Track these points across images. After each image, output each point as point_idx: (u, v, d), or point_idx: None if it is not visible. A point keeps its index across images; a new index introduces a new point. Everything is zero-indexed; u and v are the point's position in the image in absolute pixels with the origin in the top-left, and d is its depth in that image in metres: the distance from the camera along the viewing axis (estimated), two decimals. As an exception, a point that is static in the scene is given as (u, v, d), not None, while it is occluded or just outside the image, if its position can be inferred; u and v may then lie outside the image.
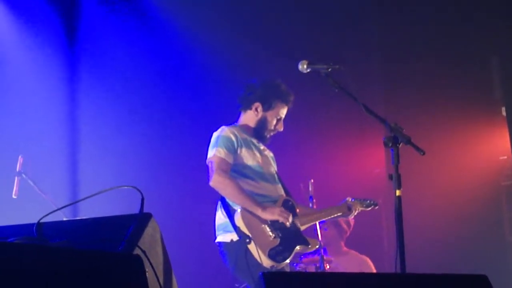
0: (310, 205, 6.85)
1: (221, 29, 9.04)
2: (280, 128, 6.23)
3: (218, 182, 5.76)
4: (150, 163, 8.93)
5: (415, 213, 7.81)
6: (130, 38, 9.08)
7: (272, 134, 6.23)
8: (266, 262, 5.56)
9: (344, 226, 7.96)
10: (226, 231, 5.77)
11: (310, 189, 6.88)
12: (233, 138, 5.93)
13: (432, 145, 7.01)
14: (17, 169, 7.21)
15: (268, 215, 5.72)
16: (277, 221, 5.75)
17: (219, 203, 5.89)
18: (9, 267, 2.65)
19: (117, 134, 8.92)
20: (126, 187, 3.67)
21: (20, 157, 7.26)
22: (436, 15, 9.08)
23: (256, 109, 6.16)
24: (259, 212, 5.70)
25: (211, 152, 5.90)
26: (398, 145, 4.64)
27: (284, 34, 9.24)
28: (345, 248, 8.04)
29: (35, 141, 8.38)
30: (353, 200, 6.63)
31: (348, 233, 8.05)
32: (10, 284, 2.62)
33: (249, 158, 5.96)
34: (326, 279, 3.60)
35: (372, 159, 9.46)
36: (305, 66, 5.17)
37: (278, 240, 5.69)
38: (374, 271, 7.83)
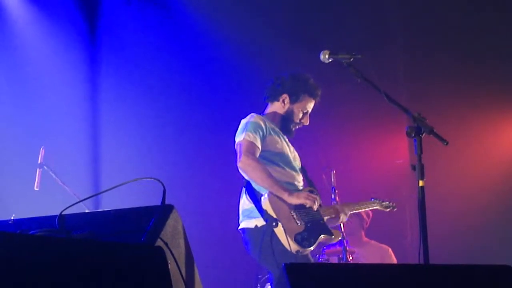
0: (333, 196, 6.83)
1: (242, 19, 9.03)
2: (306, 122, 6.19)
3: (246, 164, 5.71)
4: (171, 155, 8.94)
5: (439, 204, 7.77)
6: (151, 32, 9.09)
7: (297, 127, 6.18)
8: (293, 247, 5.54)
9: (365, 216, 7.95)
10: (250, 217, 5.74)
11: (332, 180, 6.87)
12: (263, 125, 5.90)
13: (455, 135, 6.97)
14: (39, 161, 7.24)
15: (294, 199, 5.69)
16: (303, 207, 5.72)
17: (244, 189, 5.86)
18: (32, 259, 2.65)
19: (139, 126, 8.94)
20: (148, 179, 3.66)
21: (42, 149, 7.29)
22: (462, 4, 9.01)
23: (283, 101, 6.11)
24: (285, 196, 5.67)
25: (240, 136, 5.85)
26: (421, 135, 4.60)
27: (305, 23, 9.21)
28: (365, 239, 8.02)
29: (57, 133, 8.42)
30: (372, 199, 6.66)
31: (368, 224, 8.04)
32: (32, 276, 2.62)
33: (277, 145, 5.94)
34: (349, 270, 3.58)
35: (395, 150, 9.41)
36: (326, 56, 5.13)
37: (303, 226, 5.67)
38: (395, 260, 7.81)
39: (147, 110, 8.98)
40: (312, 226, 5.73)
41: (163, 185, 3.48)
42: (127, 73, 8.98)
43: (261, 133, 5.86)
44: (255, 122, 5.90)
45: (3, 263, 2.56)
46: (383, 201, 6.76)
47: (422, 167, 4.55)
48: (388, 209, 6.83)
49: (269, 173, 5.72)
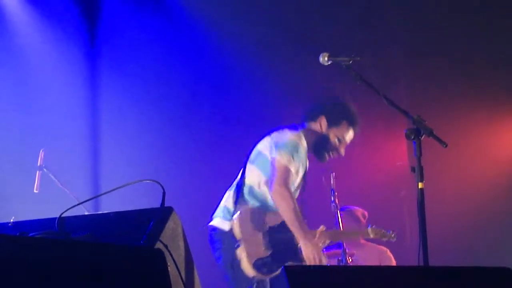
0: (332, 198, 6.83)
1: (242, 20, 9.03)
2: (342, 151, 6.02)
3: (279, 193, 5.51)
4: (171, 158, 8.94)
5: (438, 206, 7.76)
6: (151, 32, 9.09)
7: (332, 155, 6.01)
8: (250, 271, 5.44)
9: (361, 218, 7.94)
10: (227, 218, 5.66)
11: (331, 182, 6.86)
12: (304, 153, 5.76)
13: (455, 137, 6.97)
14: (39, 164, 7.23)
15: (307, 247, 5.49)
16: (278, 232, 5.65)
17: (235, 187, 5.78)
18: (32, 261, 2.65)
19: (139, 128, 8.94)
20: (147, 181, 3.67)
21: (41, 151, 7.28)
22: (464, 7, 9.01)
23: (320, 123, 5.93)
24: (301, 237, 5.50)
25: (284, 156, 5.62)
26: (420, 137, 4.59)
27: (305, 25, 9.21)
28: (363, 240, 8.01)
29: (56, 135, 8.41)
30: (369, 226, 6.72)
31: (364, 225, 8.03)
32: (32, 279, 2.62)
33: (298, 172, 5.82)
34: (349, 272, 3.59)
35: (394, 152, 9.41)
36: (326, 59, 5.13)
37: (269, 252, 5.55)
38: (394, 261, 7.80)
39: (148, 111, 8.98)
40: (280, 253, 5.58)
41: (162, 187, 3.48)
42: (127, 74, 8.98)
43: (300, 162, 5.71)
44: (302, 150, 5.73)
45: (2, 265, 2.56)
46: (381, 229, 6.72)
47: (421, 169, 4.55)
48: (385, 238, 6.80)
49: (295, 207, 5.53)
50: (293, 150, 5.69)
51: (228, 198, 5.80)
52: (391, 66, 9.39)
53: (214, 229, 5.72)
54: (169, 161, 8.86)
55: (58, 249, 2.81)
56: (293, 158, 5.65)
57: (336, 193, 6.84)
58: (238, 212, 5.60)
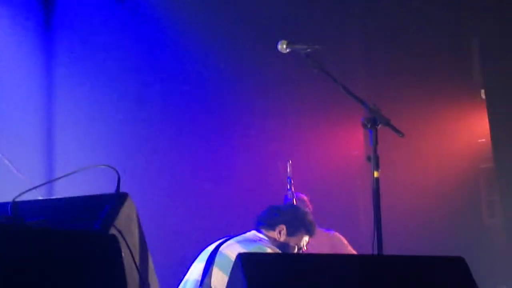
0: (288, 186, 6.84)
1: (200, 10, 8.99)
2: None
3: None
4: (127, 143, 8.88)
5: (393, 196, 7.81)
6: (108, 18, 9.00)
7: None
8: None
9: (308, 204, 7.92)
10: None
11: (288, 170, 6.86)
12: None
13: (411, 127, 7.01)
14: (-8, 148, 7.14)
15: None
16: None
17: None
18: (-17, 246, 2.62)
19: (94, 114, 8.86)
20: (102, 167, 3.64)
21: (-5, 136, 7.20)
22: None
23: (280, 232, 5.77)
24: None
25: None
26: (376, 126, 4.62)
27: (263, 13, 9.19)
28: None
29: (10, 120, 8.31)
30: None
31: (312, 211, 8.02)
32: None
33: None
34: (304, 260, 3.60)
35: (351, 141, 9.47)
36: (284, 46, 5.11)
37: None
38: (347, 243, 7.82)
39: (103, 95, 8.90)
40: None
41: (117, 172, 3.46)
42: (83, 58, 8.89)
43: None
44: None
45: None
46: None
47: (377, 158, 4.58)
48: None
49: None
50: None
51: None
52: (349, 55, 9.43)
53: None
54: (125, 147, 8.81)
55: (11, 234, 2.78)
56: None
57: (292, 181, 6.85)
58: None
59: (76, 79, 8.83)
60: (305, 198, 7.80)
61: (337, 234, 7.91)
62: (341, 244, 7.80)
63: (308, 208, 7.81)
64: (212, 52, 8.82)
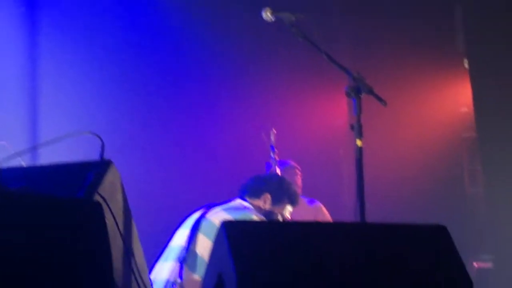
0: (272, 154, 6.85)
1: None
2: None
3: None
4: (111, 111, 8.86)
5: (376, 165, 7.83)
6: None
7: None
8: None
9: (298, 171, 7.93)
10: None
11: (272, 138, 6.87)
12: None
13: (394, 96, 7.03)
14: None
15: None
16: None
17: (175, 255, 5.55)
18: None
19: (79, 80, 8.83)
20: (86, 134, 3.63)
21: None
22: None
23: (265, 201, 5.82)
24: None
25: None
26: (360, 95, 4.62)
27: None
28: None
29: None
30: None
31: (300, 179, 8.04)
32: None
33: None
34: (287, 228, 3.62)
35: (335, 110, 9.48)
36: (268, 14, 5.10)
37: None
38: (328, 216, 7.85)
39: (87, 62, 8.87)
40: None
41: (101, 140, 3.46)
42: (69, 25, 8.84)
43: None
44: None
45: None
46: None
47: (360, 127, 4.58)
48: None
49: None
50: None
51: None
52: (330, 24, 9.41)
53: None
54: (108, 115, 8.79)
55: (-6, 200, 2.78)
56: None
57: (276, 150, 6.86)
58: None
59: (60, 46, 8.79)
60: (294, 164, 7.82)
61: (323, 208, 7.93)
62: (323, 215, 7.83)
63: (298, 174, 7.85)
64: (195, 20, 8.79)
